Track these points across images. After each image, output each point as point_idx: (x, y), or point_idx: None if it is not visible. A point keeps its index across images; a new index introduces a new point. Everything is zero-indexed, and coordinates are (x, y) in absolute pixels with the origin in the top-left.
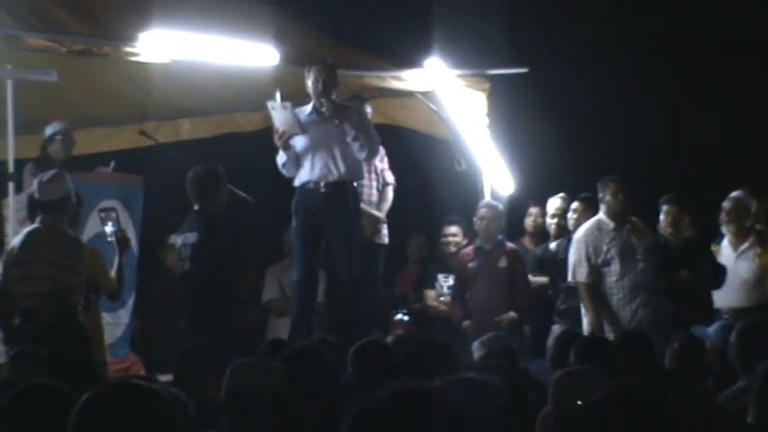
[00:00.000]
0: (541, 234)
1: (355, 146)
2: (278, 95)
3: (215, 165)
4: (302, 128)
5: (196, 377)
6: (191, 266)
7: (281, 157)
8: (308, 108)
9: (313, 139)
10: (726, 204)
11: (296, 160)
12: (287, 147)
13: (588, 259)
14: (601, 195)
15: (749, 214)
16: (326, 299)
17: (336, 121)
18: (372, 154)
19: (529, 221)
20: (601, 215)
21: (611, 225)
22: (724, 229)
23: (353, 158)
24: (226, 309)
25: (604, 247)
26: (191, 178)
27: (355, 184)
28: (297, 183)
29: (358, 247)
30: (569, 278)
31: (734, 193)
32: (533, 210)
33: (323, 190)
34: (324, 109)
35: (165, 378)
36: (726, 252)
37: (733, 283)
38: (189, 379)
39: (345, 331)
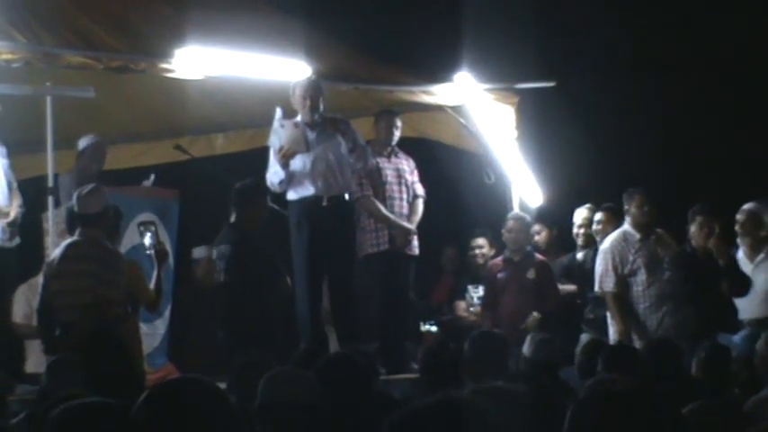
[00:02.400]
0: (553, 250)
1: (352, 157)
2: (279, 112)
3: (260, 179)
4: (308, 146)
5: (250, 387)
6: (225, 278)
7: (277, 175)
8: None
9: (312, 154)
10: (739, 217)
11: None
12: (287, 165)
13: (615, 269)
14: (626, 207)
15: (763, 225)
16: (334, 308)
17: (337, 135)
18: (366, 164)
19: (537, 240)
20: (626, 226)
21: (637, 236)
22: (739, 240)
23: (350, 170)
24: (260, 319)
25: (630, 258)
26: (236, 188)
27: (387, 197)
28: (295, 197)
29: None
30: (596, 288)
31: (747, 205)
32: (538, 227)
33: (325, 203)
34: (317, 123)
35: None
36: (742, 263)
37: (751, 294)
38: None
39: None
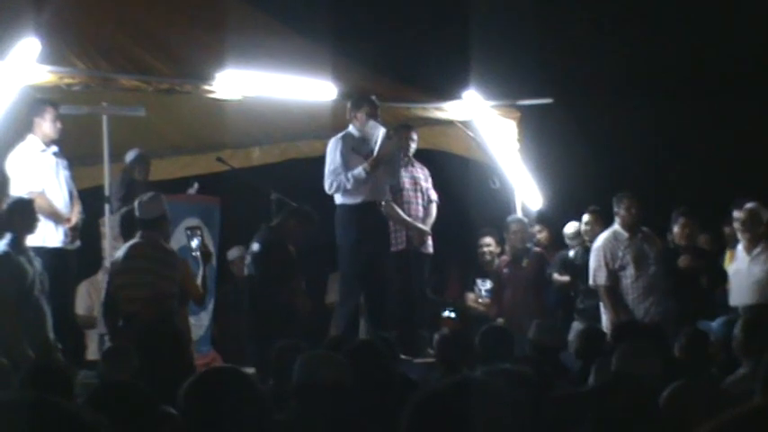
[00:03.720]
0: (552, 246)
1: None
2: (383, 129)
3: (313, 212)
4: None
5: (286, 369)
6: (250, 272)
7: (355, 181)
8: (351, 137)
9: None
10: (741, 215)
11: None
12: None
13: (606, 265)
14: (616, 209)
15: (762, 223)
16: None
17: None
18: (398, 180)
19: (540, 237)
20: (616, 226)
21: (626, 234)
22: (739, 235)
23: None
24: (277, 311)
25: (620, 254)
26: (293, 208)
27: (404, 201)
28: (355, 201)
29: None
30: (590, 282)
31: (748, 205)
32: (538, 227)
33: (378, 207)
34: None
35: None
36: (740, 256)
37: (747, 283)
38: (281, 370)
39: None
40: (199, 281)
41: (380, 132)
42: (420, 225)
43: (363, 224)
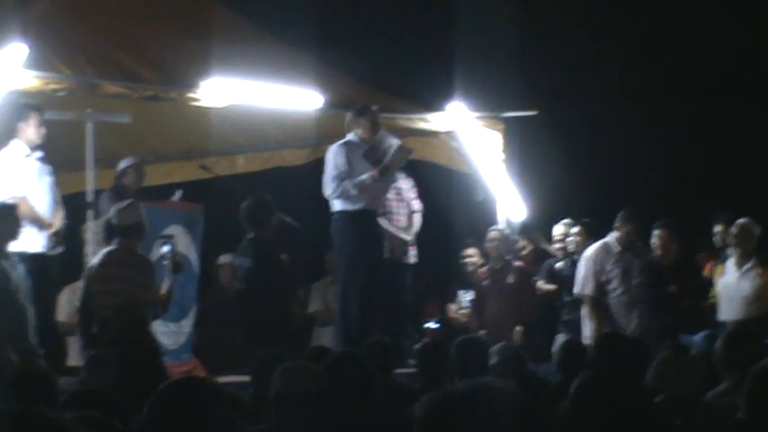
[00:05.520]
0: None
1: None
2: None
3: (265, 195)
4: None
5: (268, 378)
6: (244, 287)
7: (360, 188)
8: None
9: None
10: (733, 230)
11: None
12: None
13: (594, 275)
14: (617, 224)
15: (753, 239)
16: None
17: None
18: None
19: (521, 250)
20: (609, 239)
21: (618, 249)
22: (730, 250)
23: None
24: (275, 321)
25: (608, 267)
26: (244, 209)
27: (387, 211)
28: (354, 207)
29: None
30: (575, 290)
31: (740, 220)
32: (522, 242)
33: (375, 216)
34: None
35: (223, 380)
36: (731, 271)
37: (736, 298)
38: (263, 380)
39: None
40: (164, 290)
41: (394, 143)
42: (403, 235)
43: (362, 231)
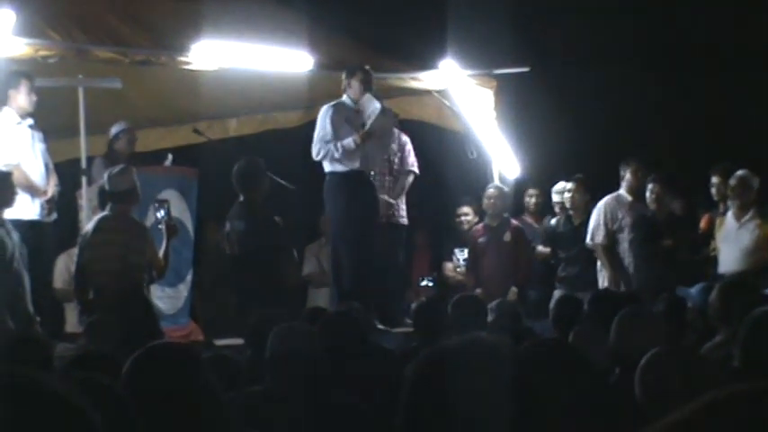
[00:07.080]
0: (541, 212)
1: None
2: (377, 103)
3: (256, 158)
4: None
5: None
6: (239, 250)
7: (344, 151)
8: (344, 106)
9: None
10: (731, 182)
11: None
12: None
13: (606, 225)
14: (622, 174)
15: (752, 190)
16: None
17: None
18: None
19: (530, 201)
20: (621, 191)
21: (629, 198)
22: (729, 202)
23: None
24: (271, 284)
25: (619, 215)
26: (236, 172)
27: (372, 173)
28: (345, 169)
29: None
30: (588, 240)
31: (739, 172)
32: (533, 191)
33: (368, 177)
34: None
35: (220, 342)
36: (730, 222)
37: (735, 250)
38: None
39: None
40: (161, 254)
41: (376, 107)
42: (384, 196)
43: (353, 192)
